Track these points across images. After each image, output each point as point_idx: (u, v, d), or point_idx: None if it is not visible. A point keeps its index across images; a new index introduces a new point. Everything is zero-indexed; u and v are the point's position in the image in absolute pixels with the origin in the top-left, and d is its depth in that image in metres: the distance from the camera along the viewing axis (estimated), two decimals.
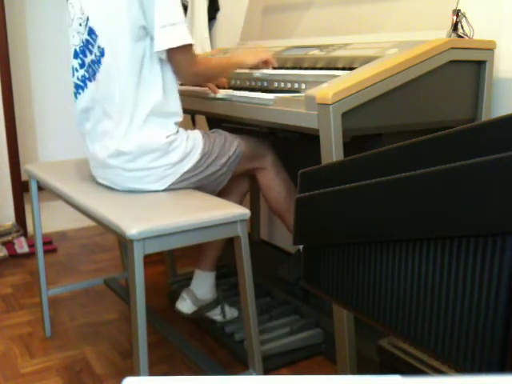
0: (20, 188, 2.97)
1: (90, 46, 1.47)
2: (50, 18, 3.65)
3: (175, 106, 1.52)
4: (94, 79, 1.49)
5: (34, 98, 3.72)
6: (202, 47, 2.74)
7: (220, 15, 2.81)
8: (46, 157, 3.81)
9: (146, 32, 1.43)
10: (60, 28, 3.65)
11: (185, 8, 2.91)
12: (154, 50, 1.42)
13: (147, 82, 1.45)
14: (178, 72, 1.51)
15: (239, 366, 1.71)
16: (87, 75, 1.51)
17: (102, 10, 1.43)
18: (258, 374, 1.45)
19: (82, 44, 1.49)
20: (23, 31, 3.62)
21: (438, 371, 1.14)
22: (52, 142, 3.81)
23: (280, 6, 2.11)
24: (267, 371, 1.64)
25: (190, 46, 1.45)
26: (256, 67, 1.75)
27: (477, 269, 0.58)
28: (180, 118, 1.53)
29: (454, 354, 0.62)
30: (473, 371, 0.60)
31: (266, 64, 1.75)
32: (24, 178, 2.88)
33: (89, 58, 1.49)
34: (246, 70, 1.78)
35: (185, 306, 1.79)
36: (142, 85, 1.45)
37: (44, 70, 3.71)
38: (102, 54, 1.44)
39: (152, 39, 1.43)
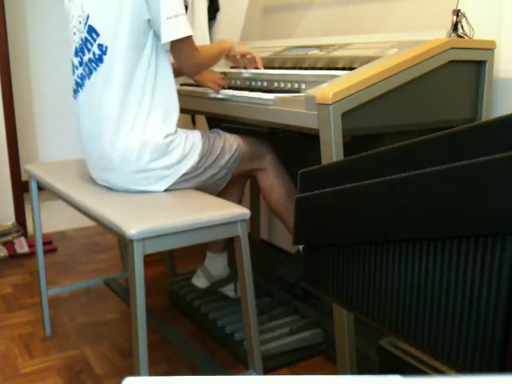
0: (20, 188, 2.97)
1: (88, 45, 1.46)
2: (50, 18, 3.65)
3: (173, 100, 1.52)
4: (90, 78, 1.49)
5: (33, 98, 3.73)
6: None
7: (220, 15, 2.81)
8: (46, 157, 3.81)
9: (149, 26, 1.43)
10: (60, 28, 3.65)
11: (185, 8, 2.91)
12: (160, 43, 1.43)
13: (147, 77, 1.45)
14: (181, 63, 1.52)
15: (239, 366, 1.71)
16: (84, 74, 1.51)
17: (103, 7, 1.42)
18: (258, 373, 1.45)
19: (80, 42, 1.49)
20: (23, 31, 3.62)
21: (438, 371, 1.14)
22: (52, 142, 3.81)
23: (280, 5, 2.11)
24: (267, 371, 1.64)
25: (191, 37, 1.48)
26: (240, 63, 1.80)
27: (477, 269, 0.58)
28: (177, 113, 1.53)
29: (454, 354, 0.62)
30: (473, 371, 0.60)
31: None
32: (24, 178, 2.88)
33: (86, 57, 1.48)
34: (244, 70, 1.78)
35: (199, 281, 1.93)
36: (142, 80, 1.44)
37: (44, 70, 3.72)
38: (105, 52, 1.44)
39: (155, 33, 1.44)
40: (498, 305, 0.56)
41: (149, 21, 1.42)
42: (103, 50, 1.44)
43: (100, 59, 1.45)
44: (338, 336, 1.38)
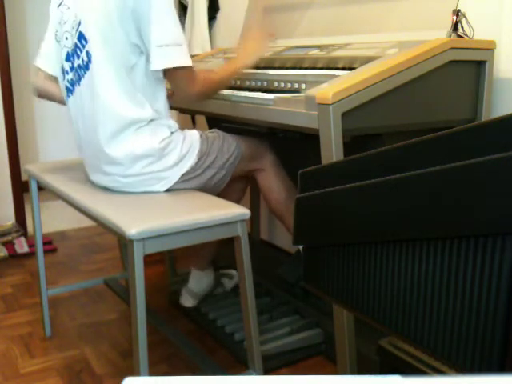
0: (20, 188, 2.97)
1: (77, 51, 1.46)
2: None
3: (167, 118, 1.52)
4: (79, 84, 1.48)
5: (33, 98, 3.72)
6: (202, 47, 2.74)
7: (220, 15, 2.81)
8: (46, 157, 3.81)
9: (140, 50, 1.42)
10: None
11: (185, 8, 2.92)
12: (149, 69, 1.41)
13: (138, 95, 1.44)
14: (177, 93, 1.50)
15: (239, 366, 1.71)
16: (74, 79, 1.50)
17: (95, 18, 1.41)
18: (258, 373, 1.45)
19: (72, 47, 1.48)
20: (23, 31, 3.62)
21: (438, 371, 1.14)
22: (52, 142, 3.81)
23: (280, 5, 2.11)
24: (267, 371, 1.64)
25: (188, 68, 1.43)
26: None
27: (477, 269, 0.58)
28: (173, 128, 1.52)
29: (454, 354, 0.62)
30: (473, 371, 0.60)
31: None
32: (24, 178, 2.88)
33: (76, 62, 1.48)
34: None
35: (187, 301, 1.94)
36: (134, 97, 1.43)
37: None
38: (91, 60, 1.43)
39: (147, 57, 1.42)
40: (498, 305, 0.56)
41: (137, 45, 1.41)
42: (90, 57, 1.43)
43: (87, 66, 1.44)
44: (338, 336, 1.38)
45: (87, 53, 1.43)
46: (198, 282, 1.93)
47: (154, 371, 1.69)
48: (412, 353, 1.20)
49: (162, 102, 1.50)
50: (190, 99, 1.53)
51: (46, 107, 3.77)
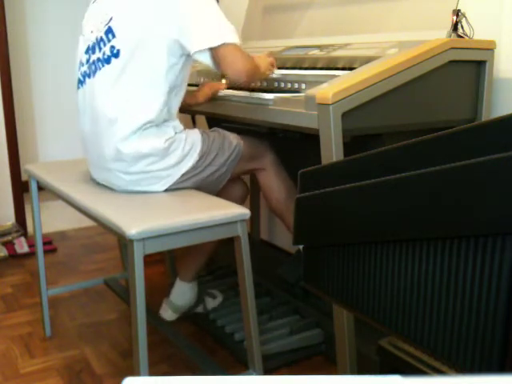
0: (20, 188, 2.97)
1: (101, 44, 1.46)
2: (50, 18, 3.65)
3: (174, 120, 1.52)
4: (94, 76, 1.48)
5: (33, 98, 3.73)
6: None
7: None
8: (46, 157, 3.81)
9: (181, 50, 1.41)
10: (60, 28, 3.66)
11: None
12: (193, 50, 1.40)
13: (162, 97, 1.44)
14: (226, 71, 1.45)
15: (239, 366, 1.71)
16: (88, 71, 1.50)
17: (129, 16, 1.42)
18: (258, 373, 1.45)
19: (95, 41, 1.48)
20: (23, 31, 3.62)
21: (438, 371, 1.14)
22: (52, 141, 3.81)
23: (280, 5, 2.11)
24: (267, 371, 1.64)
25: (236, 45, 1.43)
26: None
27: (477, 269, 0.58)
28: (178, 129, 1.52)
29: (454, 354, 0.62)
30: (473, 371, 0.60)
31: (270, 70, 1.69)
32: (24, 178, 2.88)
33: (95, 56, 1.48)
34: None
35: (167, 315, 1.84)
36: (156, 98, 1.43)
37: (44, 70, 3.72)
38: (116, 55, 1.42)
39: (186, 57, 1.42)
40: (498, 305, 0.56)
41: (179, 43, 1.40)
42: (114, 52, 1.42)
43: (108, 60, 1.44)
44: (338, 336, 1.38)
45: (112, 47, 1.43)
46: (182, 294, 1.83)
47: (154, 371, 1.69)
48: (412, 353, 1.20)
49: (177, 105, 1.51)
50: (241, 75, 1.44)
51: (46, 107, 3.77)
